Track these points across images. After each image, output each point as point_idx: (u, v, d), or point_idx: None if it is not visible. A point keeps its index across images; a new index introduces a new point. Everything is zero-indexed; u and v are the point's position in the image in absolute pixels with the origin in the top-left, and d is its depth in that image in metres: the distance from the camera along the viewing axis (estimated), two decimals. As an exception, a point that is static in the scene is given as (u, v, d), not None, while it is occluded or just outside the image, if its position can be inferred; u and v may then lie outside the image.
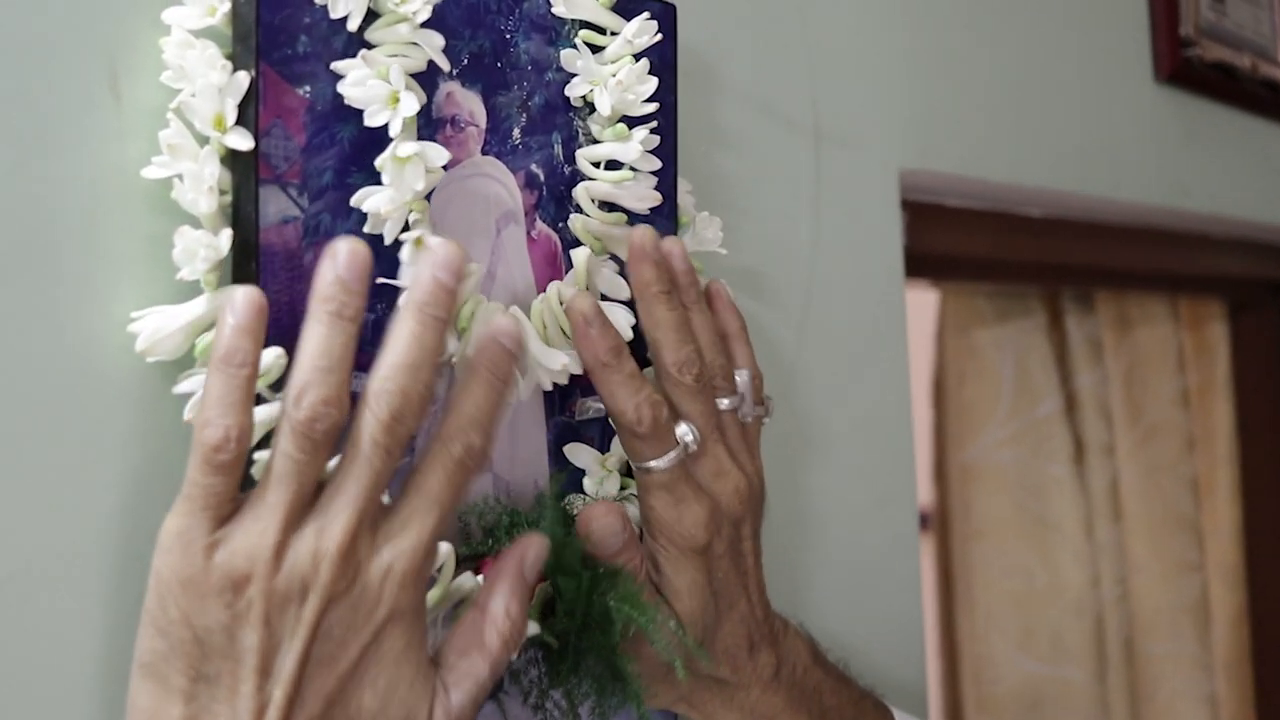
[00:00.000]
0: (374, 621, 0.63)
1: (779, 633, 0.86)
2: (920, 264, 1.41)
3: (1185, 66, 1.59)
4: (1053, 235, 1.58)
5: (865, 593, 1.13)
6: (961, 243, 1.48)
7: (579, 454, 0.84)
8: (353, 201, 0.71)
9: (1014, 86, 1.36)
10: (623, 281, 0.83)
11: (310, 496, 0.63)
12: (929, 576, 2.00)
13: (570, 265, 0.82)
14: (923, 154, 1.22)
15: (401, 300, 0.67)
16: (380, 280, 0.73)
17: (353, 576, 0.62)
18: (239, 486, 0.62)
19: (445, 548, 0.74)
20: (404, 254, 0.71)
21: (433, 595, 0.74)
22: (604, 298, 0.83)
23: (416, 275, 0.66)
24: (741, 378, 0.84)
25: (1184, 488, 2.10)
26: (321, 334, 0.63)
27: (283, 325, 0.70)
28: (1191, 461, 2.12)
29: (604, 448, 0.85)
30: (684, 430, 0.79)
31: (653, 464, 0.78)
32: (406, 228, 0.72)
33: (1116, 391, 1.99)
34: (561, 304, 0.80)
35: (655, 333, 0.79)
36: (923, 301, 1.99)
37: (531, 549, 0.71)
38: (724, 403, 0.82)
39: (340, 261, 0.63)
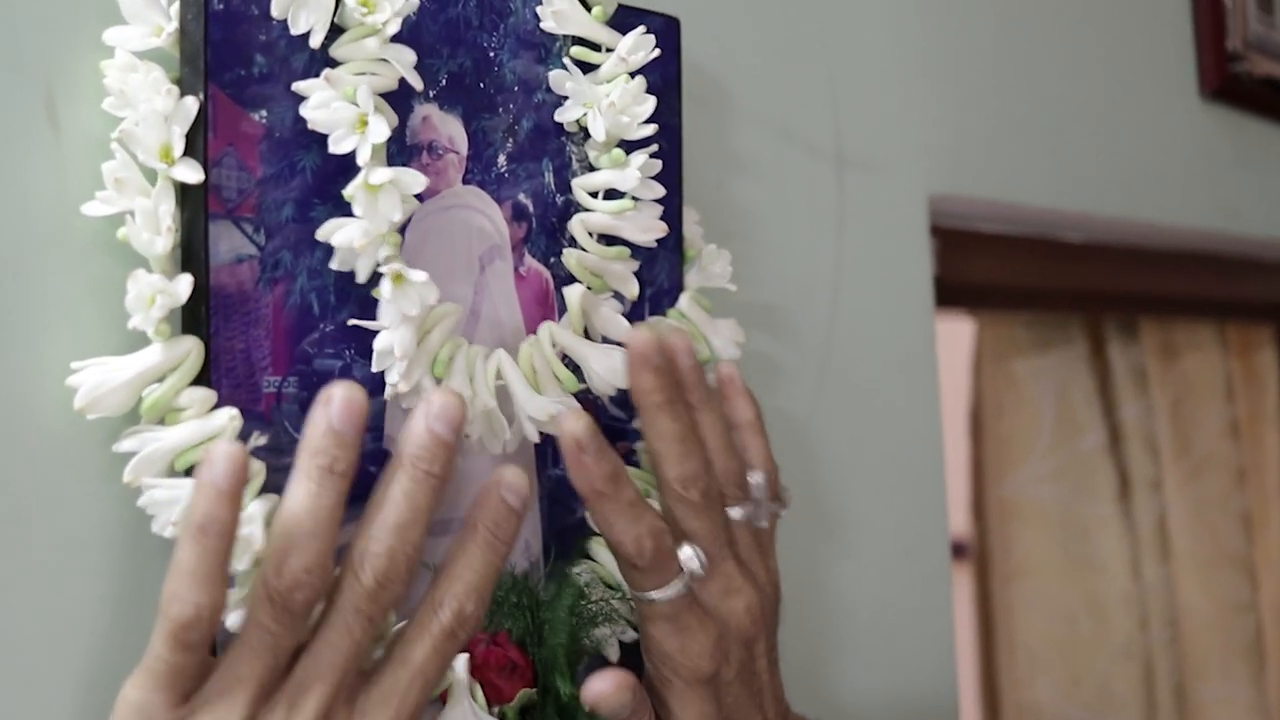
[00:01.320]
0: None
1: None
2: (954, 293, 1.34)
3: (1233, 82, 1.51)
4: (1093, 261, 1.51)
5: (895, 643, 1.06)
6: (997, 270, 1.40)
7: (602, 552, 0.78)
8: (320, 235, 0.64)
9: (1050, 105, 1.28)
10: (622, 320, 0.76)
11: (284, 667, 0.57)
12: (968, 617, 1.92)
13: (563, 304, 0.75)
14: (954, 178, 1.14)
15: (396, 449, 0.60)
16: (351, 322, 0.66)
17: None
18: (206, 661, 0.56)
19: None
20: (384, 289, 0.64)
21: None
22: (604, 339, 0.76)
23: (411, 425, 0.60)
24: (755, 479, 0.76)
25: (1235, 523, 2.01)
26: (310, 492, 0.57)
27: (236, 376, 0.63)
28: (1242, 495, 2.03)
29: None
30: (688, 555, 0.71)
31: (654, 595, 0.70)
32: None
33: (1163, 423, 1.91)
34: (554, 346, 0.73)
35: (657, 444, 0.71)
36: (959, 331, 1.91)
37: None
38: (736, 512, 0.75)
39: (335, 410, 0.58)
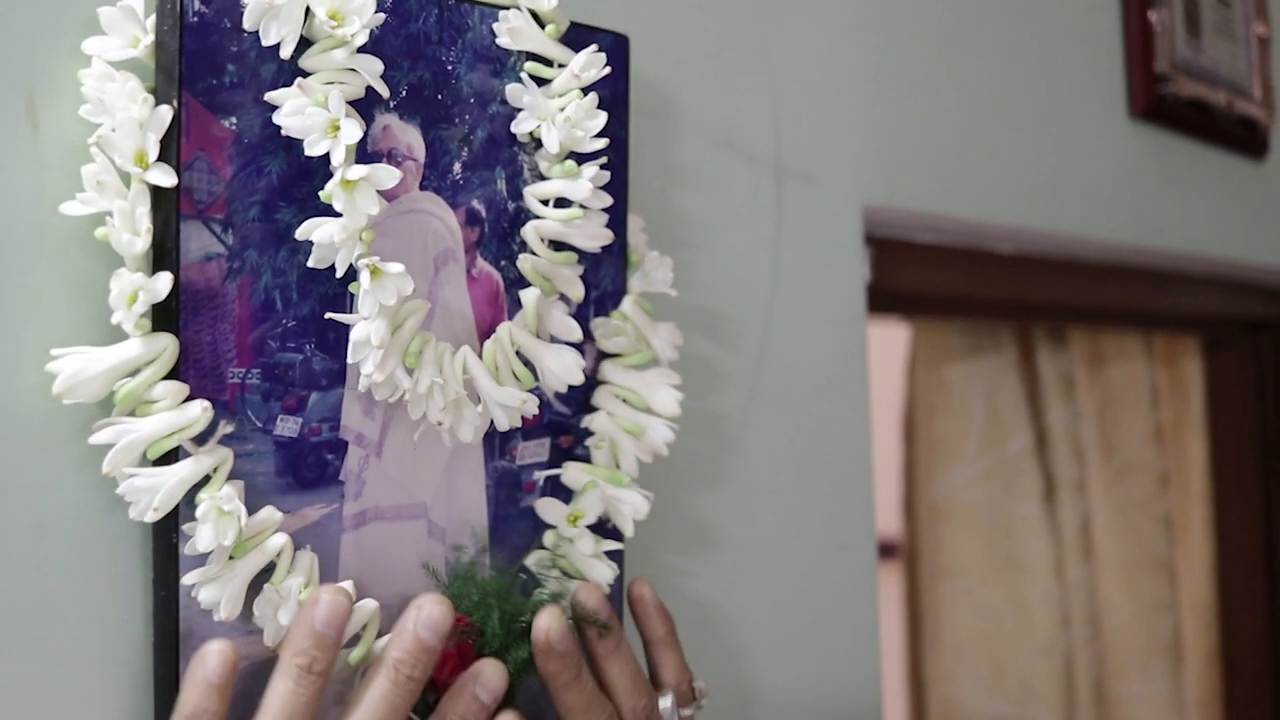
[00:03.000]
0: None
1: None
2: (889, 300, 1.38)
3: (1160, 103, 1.57)
4: (1024, 272, 1.55)
5: (821, 636, 1.10)
6: (931, 279, 1.45)
7: (549, 510, 0.82)
8: (299, 234, 0.68)
9: (984, 121, 1.33)
10: (573, 323, 0.80)
11: None
12: (897, 614, 1.97)
13: (513, 303, 0.79)
14: (889, 190, 1.19)
15: (384, 649, 0.68)
16: (328, 315, 0.70)
17: None
18: None
19: (370, 605, 0.71)
20: (362, 281, 0.68)
21: (355, 655, 0.71)
22: (553, 339, 0.80)
23: (400, 628, 0.67)
24: (665, 704, 0.81)
25: (1157, 526, 2.07)
26: (288, 689, 0.64)
27: (203, 368, 0.67)
28: (1165, 499, 2.10)
29: (544, 492, 0.82)
30: None
31: None
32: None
33: (1089, 428, 1.97)
34: (513, 345, 0.77)
35: (568, 717, 0.76)
36: (894, 336, 1.96)
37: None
38: None
39: (320, 613, 0.65)
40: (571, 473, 0.82)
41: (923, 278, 1.42)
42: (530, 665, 0.75)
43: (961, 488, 1.85)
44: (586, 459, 0.84)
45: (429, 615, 0.67)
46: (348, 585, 0.69)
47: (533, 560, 0.82)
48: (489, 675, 0.70)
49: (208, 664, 0.62)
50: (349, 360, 0.70)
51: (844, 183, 1.14)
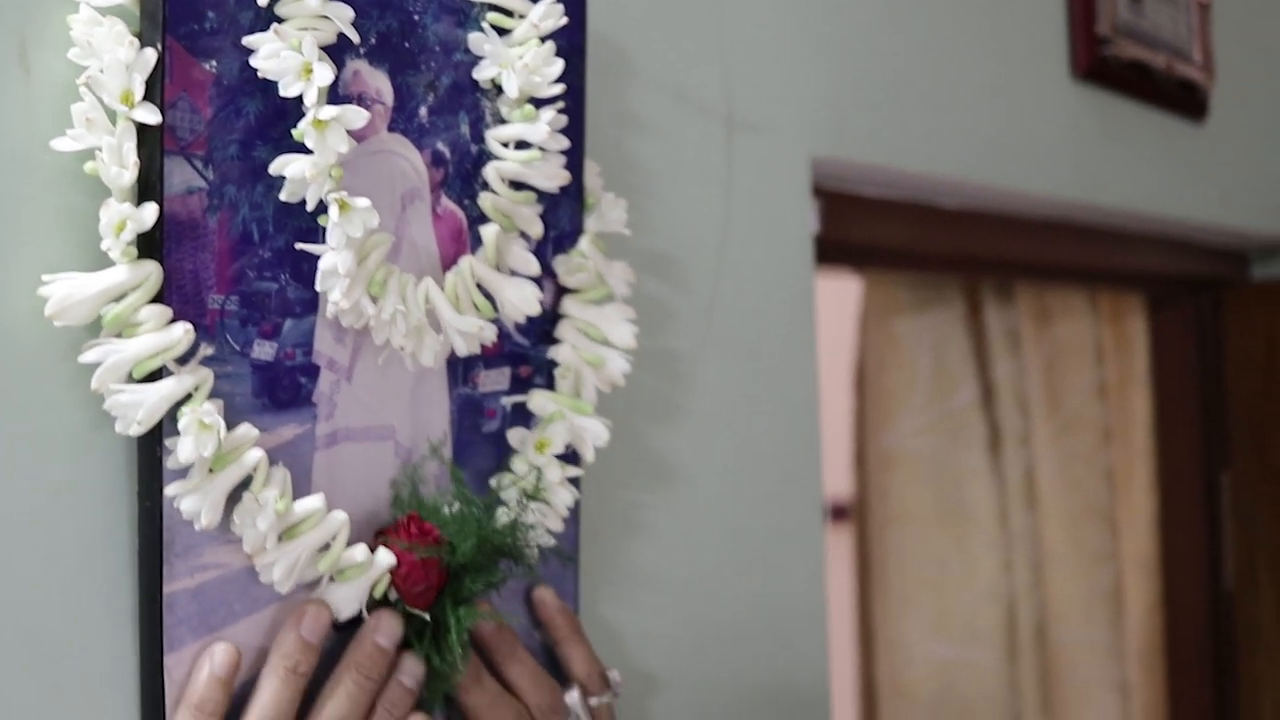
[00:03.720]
0: None
1: None
2: (839, 252, 1.44)
3: (1101, 64, 1.62)
4: (970, 227, 1.61)
5: (768, 574, 1.16)
6: (879, 232, 1.50)
7: (520, 438, 0.88)
8: (273, 169, 0.73)
9: (930, 78, 1.38)
10: (531, 258, 0.85)
11: None
12: (848, 563, 2.03)
13: (475, 240, 0.84)
14: (836, 142, 1.24)
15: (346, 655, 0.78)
16: (299, 246, 0.75)
17: None
18: None
19: (340, 516, 0.76)
20: (331, 214, 0.73)
21: (324, 563, 0.76)
22: (513, 273, 0.85)
23: (360, 638, 0.78)
24: (570, 698, 0.89)
25: (1100, 478, 2.14)
26: (275, 688, 0.74)
27: (186, 294, 0.71)
28: (1108, 453, 2.16)
29: (504, 421, 0.88)
30: None
31: None
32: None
33: (1034, 383, 2.03)
34: (474, 278, 0.83)
35: (470, 713, 0.84)
36: (847, 290, 2.02)
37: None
38: None
39: (306, 624, 0.75)
40: (538, 400, 0.88)
41: (871, 230, 1.48)
42: (494, 585, 0.81)
43: (909, 438, 1.91)
44: (544, 388, 0.89)
45: (385, 624, 0.78)
46: (318, 500, 0.75)
47: (498, 483, 0.87)
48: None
49: (215, 660, 0.73)
50: (318, 288, 0.75)
51: (792, 135, 1.19)
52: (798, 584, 1.18)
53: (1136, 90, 1.72)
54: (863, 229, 1.45)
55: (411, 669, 0.80)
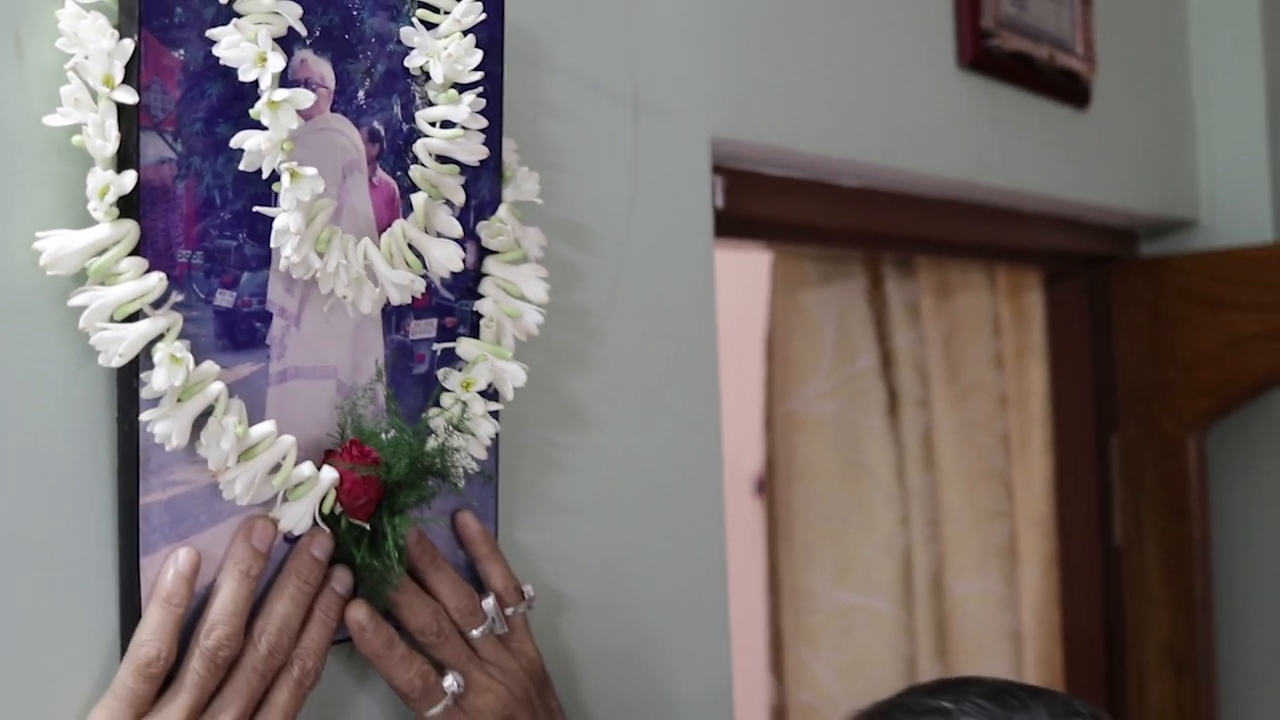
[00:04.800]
0: None
1: None
2: (743, 225, 1.57)
3: (986, 55, 1.76)
4: (868, 204, 1.74)
5: (670, 510, 1.29)
6: (782, 207, 1.64)
7: (449, 378, 1.02)
8: (234, 143, 0.86)
9: (825, 65, 1.52)
10: (455, 222, 0.98)
11: (207, 700, 0.87)
12: (763, 518, 2.17)
13: (406, 207, 0.97)
14: (736, 124, 1.37)
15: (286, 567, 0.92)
16: (256, 209, 0.88)
17: None
18: (155, 695, 0.85)
19: (288, 439, 0.89)
20: (284, 181, 0.86)
21: (277, 479, 0.89)
22: (439, 235, 0.98)
23: (299, 550, 0.92)
24: (488, 603, 1.03)
25: (996, 442, 2.28)
26: (233, 588, 0.88)
27: (158, 249, 0.84)
28: (1005, 419, 2.31)
29: (432, 365, 1.01)
30: (449, 681, 1.00)
31: (429, 714, 0.99)
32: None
33: (934, 352, 2.17)
34: (405, 239, 0.95)
35: (395, 611, 0.98)
36: (759, 264, 2.15)
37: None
38: (475, 632, 1.02)
39: (255, 534, 0.90)
40: (464, 345, 1.01)
41: (774, 206, 1.61)
42: (425, 499, 0.95)
43: (814, 401, 2.05)
44: (469, 337, 1.02)
45: (320, 541, 0.93)
46: (271, 425, 0.88)
47: (427, 416, 1.00)
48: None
49: (179, 561, 0.86)
50: (272, 245, 0.88)
51: (694, 117, 1.32)
52: (698, 520, 1.32)
53: (1021, 79, 1.86)
54: (765, 205, 1.58)
55: (342, 578, 0.94)
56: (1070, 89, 1.97)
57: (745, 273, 2.21)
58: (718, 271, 1.37)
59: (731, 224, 1.51)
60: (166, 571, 0.86)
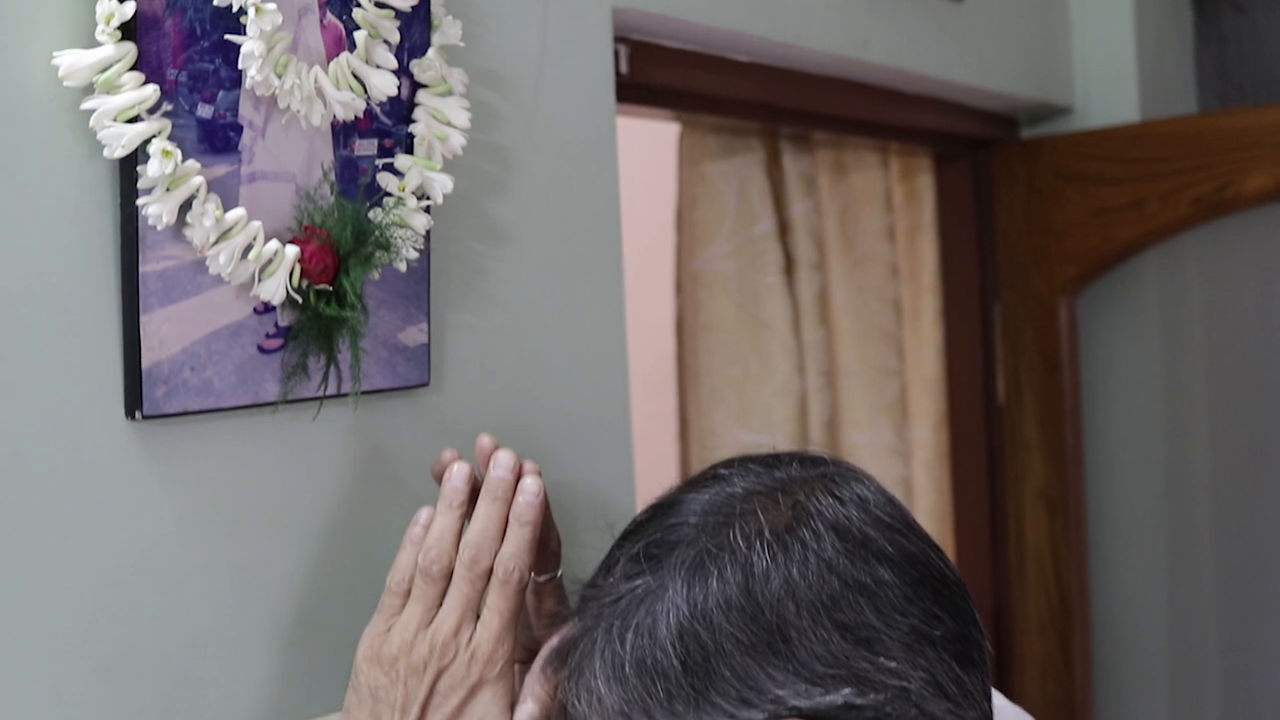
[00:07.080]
0: (467, 684, 1.09)
1: None
2: (647, 93, 1.77)
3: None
4: (759, 77, 1.94)
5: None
6: (683, 79, 1.83)
7: (388, 181, 1.22)
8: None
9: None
10: (390, 56, 1.19)
11: (435, 607, 1.10)
12: (674, 370, 2.39)
13: (351, 45, 1.18)
14: (636, -4, 1.58)
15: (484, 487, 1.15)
16: (227, 36, 1.08)
17: (452, 656, 1.08)
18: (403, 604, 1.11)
19: (256, 224, 1.10)
20: (250, 15, 1.06)
21: (251, 255, 1.10)
22: (378, 67, 1.18)
23: (490, 474, 1.15)
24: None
25: (888, 308, 2.50)
26: (443, 515, 1.13)
27: (152, 67, 1.04)
28: (896, 287, 2.53)
29: (374, 179, 1.21)
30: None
31: (542, 578, 1.21)
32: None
33: (829, 223, 2.39)
34: (349, 68, 1.16)
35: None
36: (669, 134, 2.36)
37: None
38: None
39: (454, 473, 1.14)
40: (401, 159, 1.22)
41: (674, 76, 1.79)
42: (374, 265, 1.16)
43: (716, 261, 2.27)
44: (404, 153, 1.23)
45: (503, 458, 1.16)
46: (242, 211, 1.09)
47: (372, 213, 1.20)
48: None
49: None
50: (240, 67, 1.08)
51: (597, -14, 1.52)
52: (601, 335, 1.53)
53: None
54: (666, 74, 1.77)
55: (530, 486, 1.14)
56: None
57: (659, 147, 2.42)
58: (640, 144, 1.53)
59: (636, 91, 1.71)
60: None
